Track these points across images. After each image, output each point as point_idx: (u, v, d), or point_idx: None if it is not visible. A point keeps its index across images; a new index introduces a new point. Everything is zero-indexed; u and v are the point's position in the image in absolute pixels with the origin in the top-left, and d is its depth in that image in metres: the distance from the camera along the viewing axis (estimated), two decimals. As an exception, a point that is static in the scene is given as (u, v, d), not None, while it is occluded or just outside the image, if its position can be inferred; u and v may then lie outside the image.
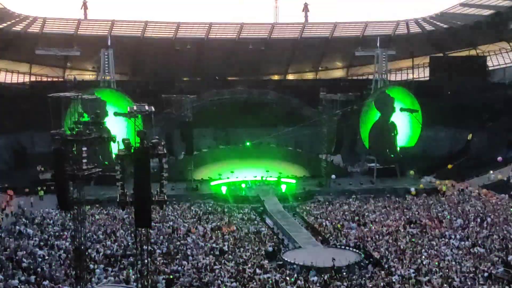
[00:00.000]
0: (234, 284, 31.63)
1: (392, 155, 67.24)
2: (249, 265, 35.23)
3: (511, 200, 51.17)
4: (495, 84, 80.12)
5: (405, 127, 68.60)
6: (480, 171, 62.85)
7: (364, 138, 67.64)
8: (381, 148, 67.30)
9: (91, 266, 33.46)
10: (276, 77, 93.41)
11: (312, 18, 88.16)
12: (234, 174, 64.65)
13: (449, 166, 66.94)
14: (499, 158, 61.51)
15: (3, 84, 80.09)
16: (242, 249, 39.31)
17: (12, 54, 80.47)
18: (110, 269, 33.92)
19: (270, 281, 31.89)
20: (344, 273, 34.36)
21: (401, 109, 67.54)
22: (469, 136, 72.23)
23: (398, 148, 67.67)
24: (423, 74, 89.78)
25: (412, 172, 63.74)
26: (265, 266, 35.73)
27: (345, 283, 32.01)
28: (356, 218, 48.02)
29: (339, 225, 45.88)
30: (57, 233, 41.92)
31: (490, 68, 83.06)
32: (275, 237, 44.88)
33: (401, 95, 68.61)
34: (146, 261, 26.80)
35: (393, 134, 66.91)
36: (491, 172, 60.73)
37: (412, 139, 68.81)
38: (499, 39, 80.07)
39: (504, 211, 47.27)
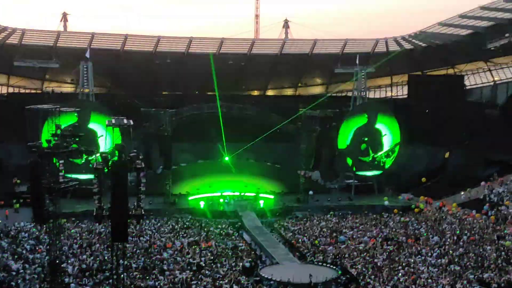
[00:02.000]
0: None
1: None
2: (226, 281, 35.11)
3: (487, 218, 51.45)
4: (472, 103, 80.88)
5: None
6: (457, 189, 63.15)
7: (342, 154, 67.82)
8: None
9: (66, 280, 33.09)
10: (256, 93, 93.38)
11: (292, 34, 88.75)
12: (212, 189, 64.35)
13: (423, 180, 67.34)
14: (482, 183, 61.43)
15: (-20, 96, 79.33)
16: (219, 265, 39.19)
17: (-10, 65, 79.71)
18: (85, 283, 33.58)
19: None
20: (321, 290, 34.39)
21: None
22: (446, 154, 72.72)
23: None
24: (401, 91, 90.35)
25: (385, 198, 63.43)
26: (242, 282, 35.62)
27: (322, 300, 32.06)
28: (334, 234, 48.10)
29: (316, 241, 45.95)
30: (32, 247, 41.44)
31: (467, 87, 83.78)
32: (252, 252, 44.84)
33: (380, 113, 68.99)
34: (122, 275, 26.61)
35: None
36: (462, 193, 60.86)
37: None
38: (476, 58, 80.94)
39: (479, 229, 47.57)
